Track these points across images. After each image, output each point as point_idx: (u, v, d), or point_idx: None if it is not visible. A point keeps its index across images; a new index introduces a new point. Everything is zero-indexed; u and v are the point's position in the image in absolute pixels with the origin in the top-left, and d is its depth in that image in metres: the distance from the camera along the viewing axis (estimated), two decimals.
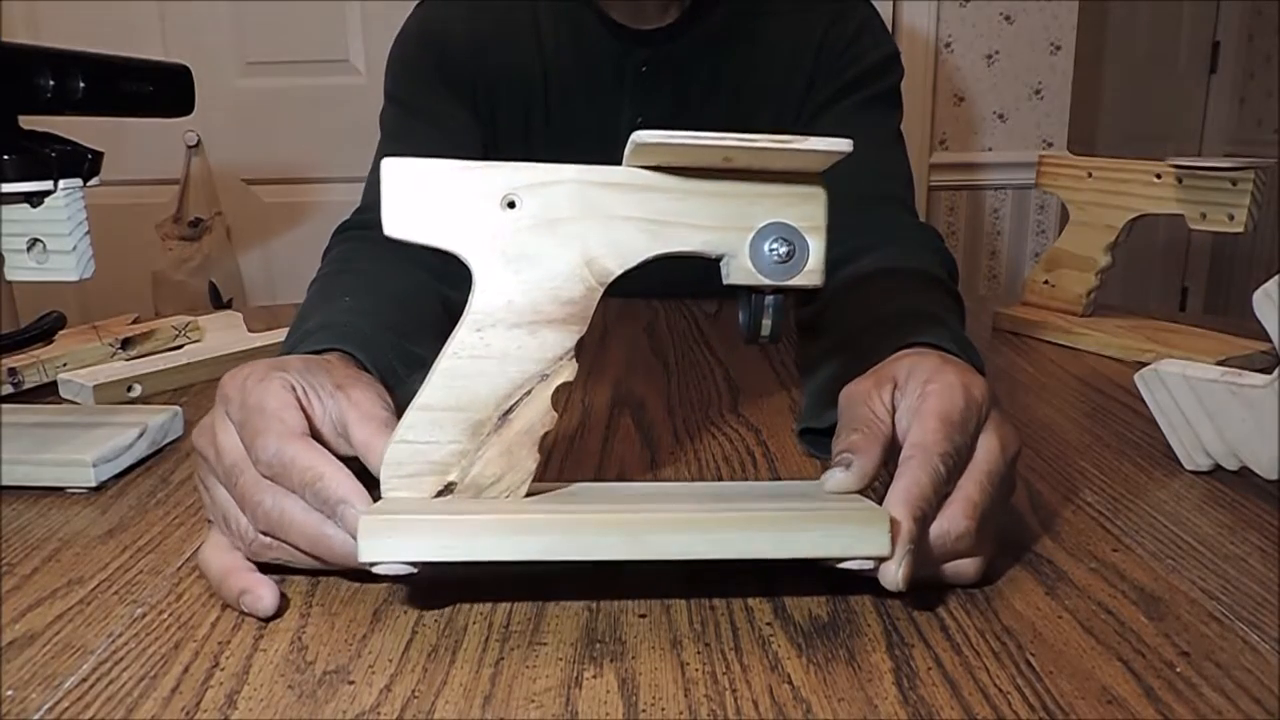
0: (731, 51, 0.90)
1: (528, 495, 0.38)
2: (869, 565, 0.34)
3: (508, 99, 0.91)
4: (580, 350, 0.38)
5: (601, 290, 0.38)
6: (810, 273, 0.37)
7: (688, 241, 0.38)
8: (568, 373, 0.38)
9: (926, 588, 0.37)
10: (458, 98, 0.91)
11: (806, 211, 0.37)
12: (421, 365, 0.45)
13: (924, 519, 0.35)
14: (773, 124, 0.89)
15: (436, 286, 0.63)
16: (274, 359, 0.44)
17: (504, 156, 0.47)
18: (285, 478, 0.37)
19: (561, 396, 0.39)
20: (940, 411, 0.38)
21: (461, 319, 0.38)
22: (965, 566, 0.37)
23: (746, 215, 0.37)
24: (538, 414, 0.38)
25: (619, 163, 0.39)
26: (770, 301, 0.39)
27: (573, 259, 0.38)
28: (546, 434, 0.38)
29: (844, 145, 0.34)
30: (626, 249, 0.38)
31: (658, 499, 0.39)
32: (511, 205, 0.37)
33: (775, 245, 0.37)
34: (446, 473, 0.37)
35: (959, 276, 0.68)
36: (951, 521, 0.36)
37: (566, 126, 0.91)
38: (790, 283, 0.37)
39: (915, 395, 0.40)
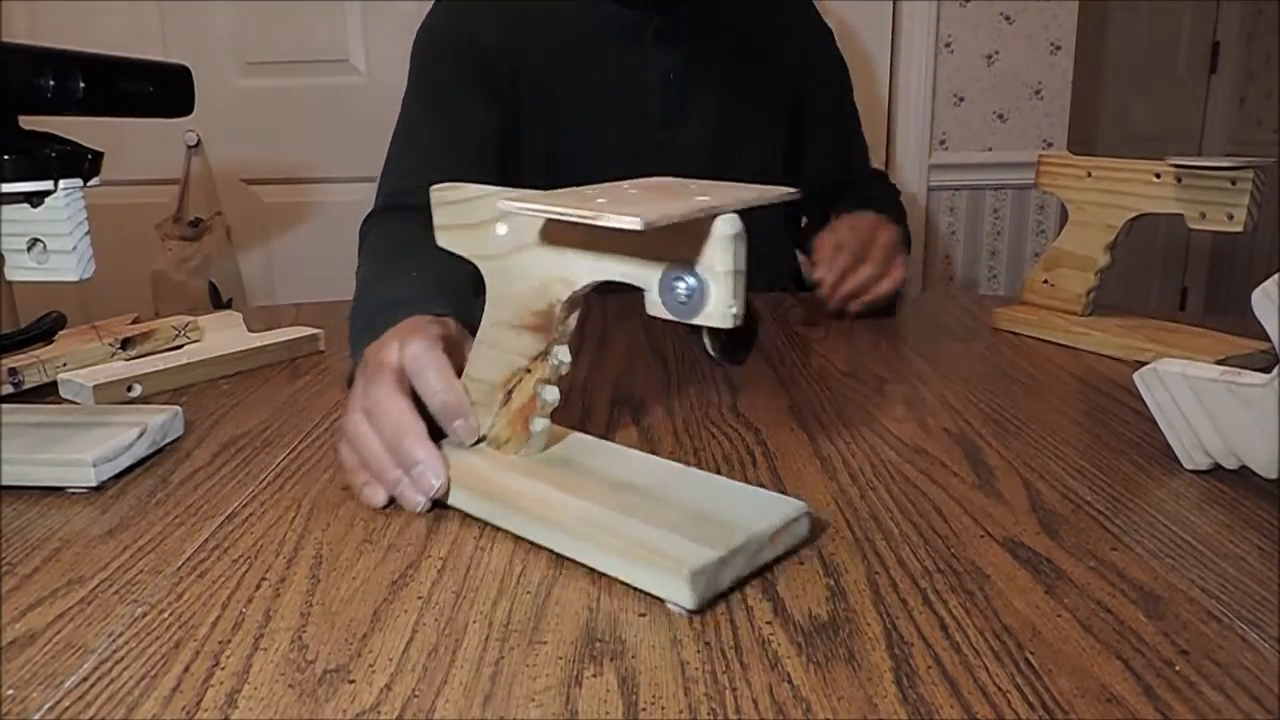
0: (735, 20, 1.02)
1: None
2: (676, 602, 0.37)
3: (531, 78, 0.97)
4: (579, 348, 0.45)
5: (561, 306, 0.44)
6: (710, 315, 0.38)
7: (615, 272, 0.42)
8: (546, 370, 0.46)
9: (927, 589, 0.37)
10: (478, 86, 0.96)
11: (709, 257, 0.38)
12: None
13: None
14: (772, 91, 1.05)
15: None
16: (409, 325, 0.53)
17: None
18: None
19: (562, 383, 0.47)
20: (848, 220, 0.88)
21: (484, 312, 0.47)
22: (882, 286, 0.85)
23: (657, 254, 0.40)
24: (526, 397, 0.47)
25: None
26: (714, 332, 0.42)
27: (537, 278, 0.45)
28: (551, 409, 0.47)
29: (635, 224, 0.35)
30: (572, 274, 0.44)
31: (590, 489, 0.44)
32: (501, 227, 0.46)
33: (678, 285, 0.39)
34: (480, 429, 0.48)
35: (900, 196, 1.12)
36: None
37: (590, 93, 0.99)
38: (696, 321, 0.39)
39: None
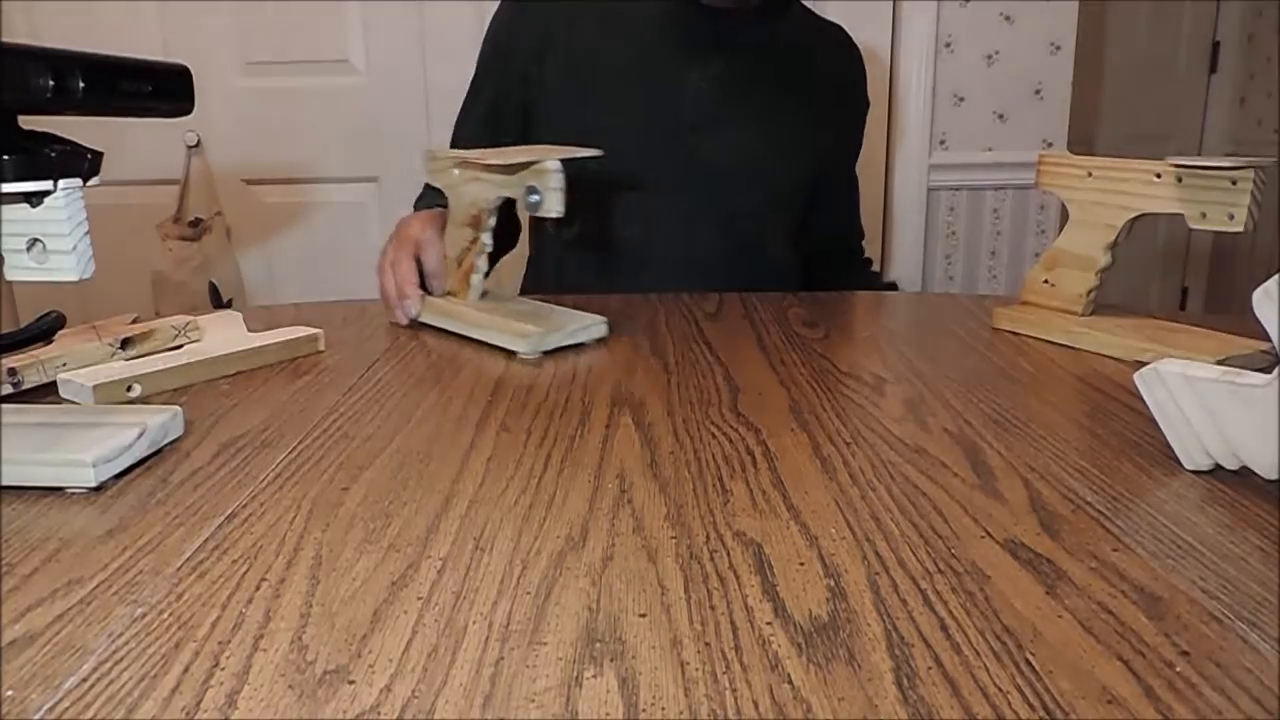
0: (788, 50, 1.07)
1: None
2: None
3: (571, 59, 1.04)
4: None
5: (484, 213, 0.79)
6: (547, 209, 0.73)
7: (503, 191, 0.77)
8: (477, 249, 0.81)
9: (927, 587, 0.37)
10: (505, 62, 1.07)
11: (544, 180, 0.72)
12: None
13: None
14: (803, 131, 1.09)
15: None
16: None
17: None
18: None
19: (487, 260, 0.82)
20: None
21: None
22: None
23: (522, 181, 0.74)
24: (468, 265, 0.81)
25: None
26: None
27: (468, 198, 0.81)
28: (483, 272, 0.82)
29: (554, 162, 0.72)
30: (484, 194, 0.79)
31: (491, 308, 0.80)
32: (455, 171, 0.82)
33: (531, 195, 0.73)
34: (447, 286, 0.84)
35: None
36: None
37: (626, 84, 1.04)
38: (540, 214, 0.73)
39: None
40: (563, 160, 0.73)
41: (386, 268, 0.84)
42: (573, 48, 1.04)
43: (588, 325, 0.76)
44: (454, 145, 1.09)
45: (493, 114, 1.09)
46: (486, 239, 0.79)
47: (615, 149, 1.02)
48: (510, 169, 0.75)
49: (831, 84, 1.12)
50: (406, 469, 0.51)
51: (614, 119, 1.03)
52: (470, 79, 1.12)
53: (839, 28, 1.14)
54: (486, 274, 0.81)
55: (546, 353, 0.73)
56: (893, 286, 1.25)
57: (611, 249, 1.06)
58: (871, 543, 0.42)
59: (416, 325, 0.82)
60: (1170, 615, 0.36)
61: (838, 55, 1.13)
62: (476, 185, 0.79)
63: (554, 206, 0.72)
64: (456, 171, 0.81)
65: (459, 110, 1.13)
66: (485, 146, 0.96)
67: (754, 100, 1.05)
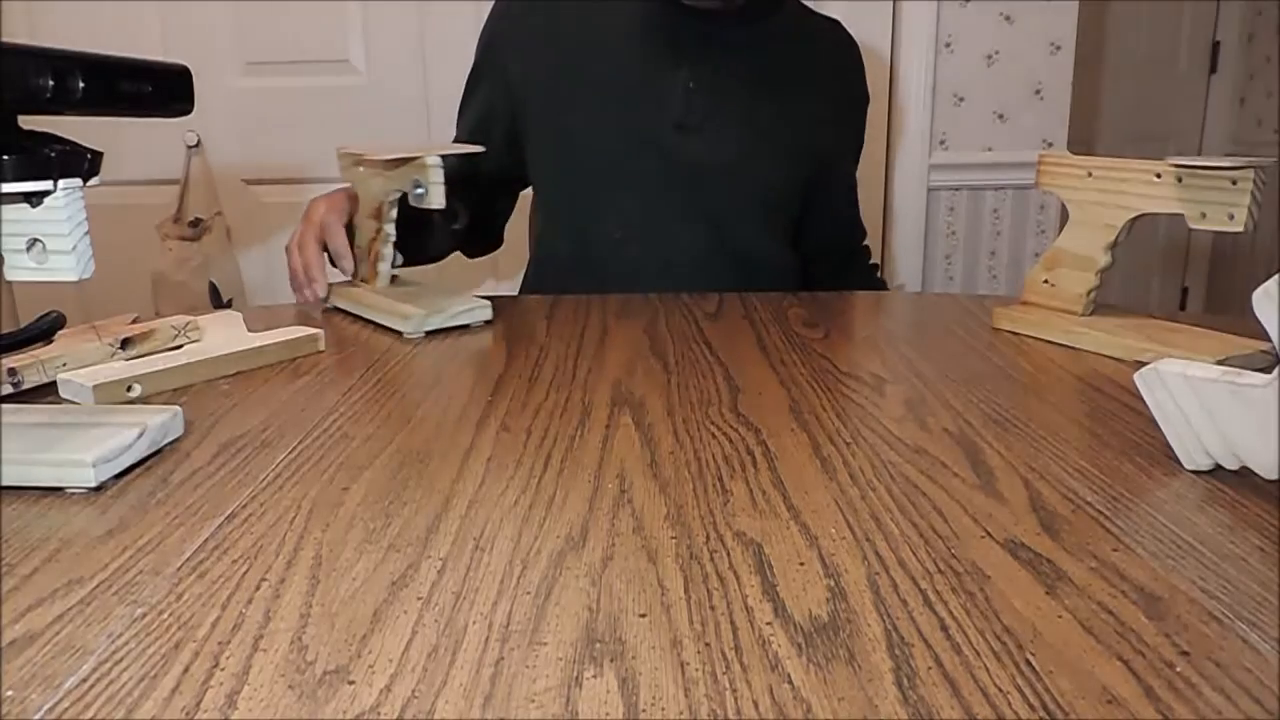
0: (780, 49, 1.06)
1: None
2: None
3: (556, 54, 1.04)
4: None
5: (384, 205, 0.86)
6: (430, 202, 0.80)
7: (396, 185, 0.83)
8: (381, 239, 0.87)
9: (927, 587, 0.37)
10: (510, 55, 1.07)
11: (427, 174, 0.79)
12: None
13: None
14: (797, 128, 1.07)
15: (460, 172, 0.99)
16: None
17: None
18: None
19: (391, 247, 0.88)
20: None
21: None
22: None
23: (409, 175, 0.81)
24: (374, 253, 0.88)
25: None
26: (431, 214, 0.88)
27: (371, 191, 0.87)
28: (388, 260, 0.88)
29: (434, 158, 0.80)
30: (380, 188, 0.86)
31: (399, 293, 0.86)
32: (361, 169, 0.89)
33: (417, 189, 0.81)
34: (360, 274, 0.90)
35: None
36: None
37: (612, 81, 1.04)
38: (425, 205, 0.81)
39: None
40: (468, 156, 0.84)
41: (294, 249, 0.90)
42: (562, 47, 1.04)
43: (471, 308, 0.82)
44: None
45: (481, 123, 1.10)
46: (389, 229, 0.86)
47: (600, 149, 1.03)
48: (397, 164, 0.82)
49: (827, 81, 1.10)
50: (406, 469, 0.51)
51: (600, 119, 1.03)
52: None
53: (835, 22, 1.13)
54: (394, 261, 0.89)
55: (433, 332, 0.80)
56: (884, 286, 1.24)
57: (595, 249, 1.06)
58: (871, 543, 0.42)
59: (330, 309, 0.89)
60: (1170, 615, 0.36)
61: (833, 51, 1.12)
62: (375, 180, 0.86)
63: (436, 199, 0.79)
64: (360, 169, 0.88)
65: (458, 110, 1.14)
66: (469, 171, 1.01)
67: (743, 100, 1.04)
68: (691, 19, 1.02)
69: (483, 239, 1.18)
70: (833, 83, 1.12)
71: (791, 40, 1.07)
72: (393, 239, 0.86)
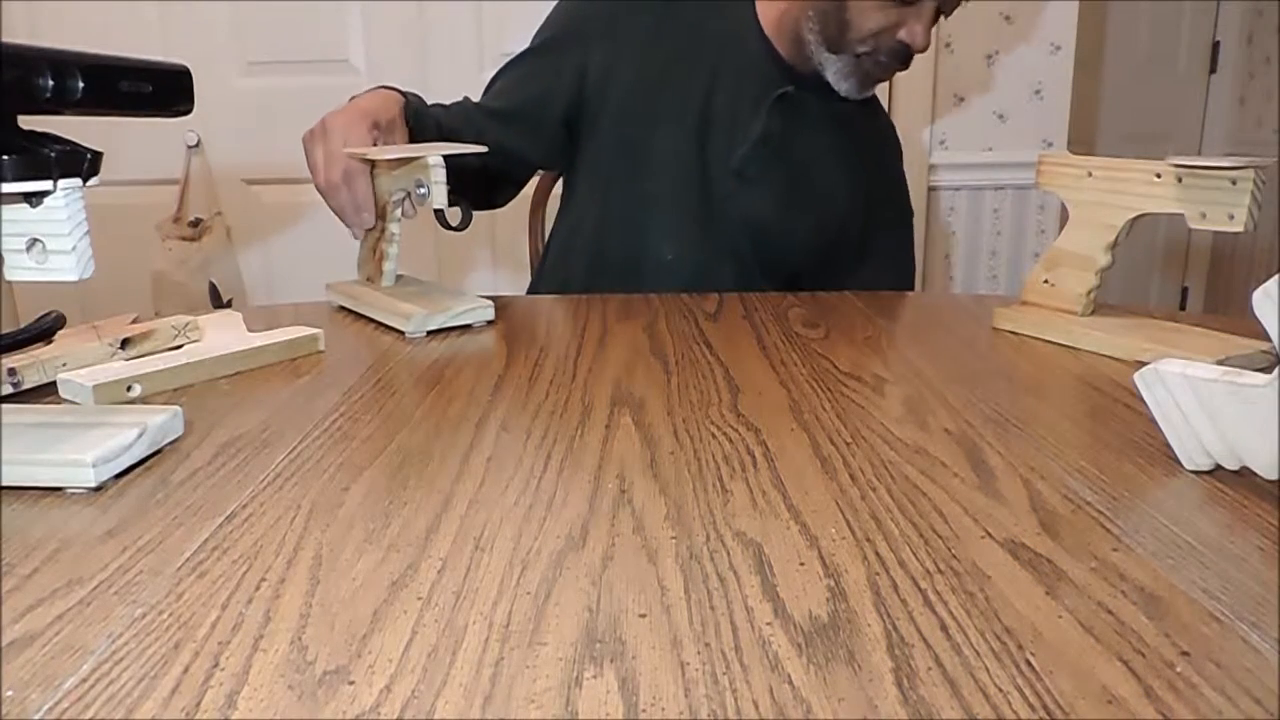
0: (846, 120, 1.10)
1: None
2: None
3: (651, 66, 1.05)
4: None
5: (388, 206, 0.86)
6: (433, 201, 0.80)
7: (399, 185, 0.84)
8: (386, 238, 0.87)
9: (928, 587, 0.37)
10: (595, 45, 1.06)
11: (429, 174, 0.79)
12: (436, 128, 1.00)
13: None
14: (846, 191, 1.11)
15: (481, 122, 1.05)
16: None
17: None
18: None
19: (396, 246, 0.88)
20: None
21: None
22: None
23: (411, 174, 0.82)
24: (380, 253, 0.88)
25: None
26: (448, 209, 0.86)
27: (378, 191, 0.88)
28: (393, 259, 0.88)
29: (436, 158, 0.80)
30: (386, 187, 0.86)
31: (400, 292, 0.86)
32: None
33: (420, 188, 0.81)
34: (365, 273, 0.92)
35: None
36: None
37: (688, 115, 1.06)
38: (435, 207, 0.81)
39: None
40: (468, 155, 0.82)
41: (338, 186, 0.86)
42: (660, 54, 1.05)
43: (474, 308, 0.82)
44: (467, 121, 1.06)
45: (535, 100, 1.07)
46: (394, 228, 0.86)
47: (668, 172, 1.05)
48: (399, 164, 0.83)
49: (867, 146, 1.14)
50: (406, 469, 0.51)
51: (676, 140, 1.04)
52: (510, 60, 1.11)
53: (879, 105, 1.17)
54: (393, 257, 0.89)
55: (433, 331, 0.80)
56: None
57: (647, 262, 1.08)
58: (871, 543, 0.42)
59: (335, 309, 0.90)
60: (1170, 615, 0.36)
61: (884, 137, 1.17)
62: (378, 180, 0.86)
63: (439, 199, 0.79)
64: (374, 168, 0.88)
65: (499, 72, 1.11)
66: (495, 140, 0.98)
67: (795, 165, 1.07)
68: (780, 71, 1.05)
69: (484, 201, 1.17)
70: (871, 146, 1.15)
71: (850, 123, 1.10)
72: (397, 238, 0.86)
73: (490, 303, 0.83)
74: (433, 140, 0.96)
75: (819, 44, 1.01)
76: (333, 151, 0.86)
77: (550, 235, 1.20)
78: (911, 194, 1.26)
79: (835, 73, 1.02)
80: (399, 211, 0.86)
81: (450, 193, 0.80)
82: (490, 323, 0.83)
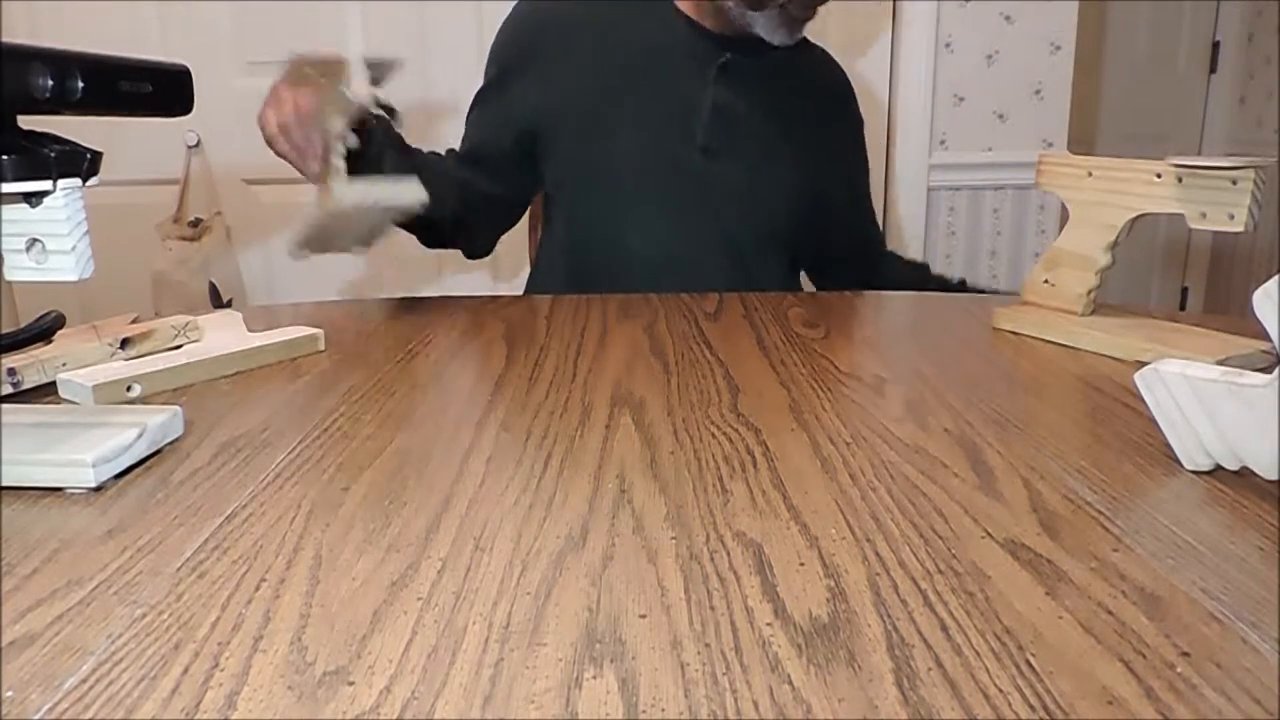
0: (786, 80, 1.11)
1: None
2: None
3: (587, 73, 1.07)
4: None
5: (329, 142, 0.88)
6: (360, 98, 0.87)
7: (333, 111, 0.86)
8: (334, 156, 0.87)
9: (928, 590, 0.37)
10: (533, 76, 1.08)
11: (344, 70, 0.87)
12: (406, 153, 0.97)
13: None
14: (808, 150, 1.11)
15: (456, 174, 1.06)
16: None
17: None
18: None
19: (345, 147, 0.87)
20: None
21: None
22: None
23: (335, 84, 0.86)
24: (329, 163, 0.87)
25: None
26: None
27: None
28: (341, 157, 0.86)
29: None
30: (324, 123, 0.87)
31: None
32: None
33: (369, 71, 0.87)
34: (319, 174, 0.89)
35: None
36: None
37: (642, 103, 1.07)
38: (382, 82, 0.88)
39: None
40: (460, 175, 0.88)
41: (289, 130, 0.87)
42: (597, 65, 1.07)
43: (400, 183, 0.87)
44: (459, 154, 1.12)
45: (495, 135, 1.11)
46: (338, 162, 0.87)
47: (635, 168, 1.07)
48: (328, 84, 0.87)
49: (829, 109, 1.15)
50: (406, 469, 0.51)
51: (635, 138, 1.06)
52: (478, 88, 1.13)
53: (825, 53, 1.18)
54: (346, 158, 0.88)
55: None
56: (961, 284, 1.21)
57: (622, 266, 1.08)
58: (871, 543, 0.42)
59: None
60: (1170, 615, 0.36)
61: (831, 81, 1.18)
62: (322, 117, 0.88)
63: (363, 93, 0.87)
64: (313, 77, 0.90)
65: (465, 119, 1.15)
66: (466, 179, 1.06)
67: (755, 127, 1.08)
68: (713, 44, 1.06)
69: (467, 246, 1.17)
70: (833, 109, 1.17)
71: (795, 71, 1.12)
72: (353, 141, 0.87)
73: (414, 177, 0.87)
74: (392, 151, 0.96)
75: (739, 7, 1.03)
76: (279, 97, 0.88)
77: (536, 253, 1.22)
78: (911, 194, 1.27)
79: (764, 27, 1.03)
80: (340, 145, 0.86)
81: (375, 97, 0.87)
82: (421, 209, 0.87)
